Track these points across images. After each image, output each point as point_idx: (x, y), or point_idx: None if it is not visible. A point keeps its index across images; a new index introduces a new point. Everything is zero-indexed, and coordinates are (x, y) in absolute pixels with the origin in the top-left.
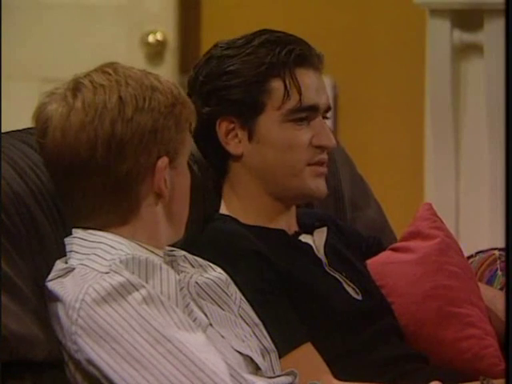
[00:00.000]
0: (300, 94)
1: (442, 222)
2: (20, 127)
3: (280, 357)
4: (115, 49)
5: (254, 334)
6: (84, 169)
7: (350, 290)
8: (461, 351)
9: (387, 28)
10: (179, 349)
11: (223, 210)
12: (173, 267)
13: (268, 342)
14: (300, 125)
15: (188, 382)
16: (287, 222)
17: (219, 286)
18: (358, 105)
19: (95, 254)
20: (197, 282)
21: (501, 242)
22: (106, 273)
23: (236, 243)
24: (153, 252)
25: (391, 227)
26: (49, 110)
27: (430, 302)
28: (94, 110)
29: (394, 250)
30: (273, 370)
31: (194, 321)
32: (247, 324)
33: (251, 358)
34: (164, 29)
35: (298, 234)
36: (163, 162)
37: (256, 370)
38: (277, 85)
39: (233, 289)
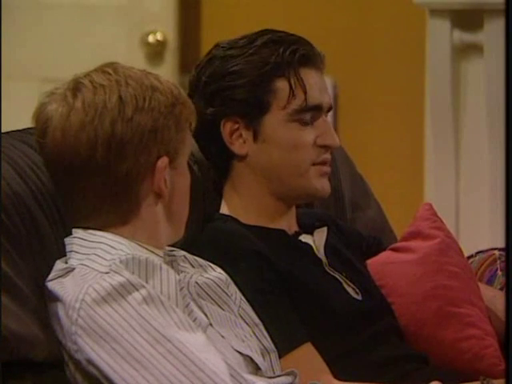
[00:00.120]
0: (305, 93)
1: (442, 222)
2: (20, 127)
3: (280, 357)
4: (115, 49)
5: (254, 334)
6: (84, 169)
7: (350, 290)
8: (461, 351)
9: (387, 28)
10: (179, 349)
11: (224, 209)
12: (173, 267)
13: (268, 342)
14: (305, 124)
15: (188, 381)
16: (287, 222)
17: (219, 286)
18: (357, 104)
19: (95, 254)
20: (197, 282)
21: (501, 242)
22: (106, 273)
23: (236, 243)
24: (153, 252)
25: (391, 227)
26: (49, 110)
27: (430, 302)
28: (94, 110)
29: (394, 250)
30: (273, 370)
31: (194, 321)
32: (247, 324)
33: (251, 358)
34: (164, 29)
35: (298, 233)
36: (163, 161)
37: (256, 370)
38: (282, 85)
39: (233, 289)
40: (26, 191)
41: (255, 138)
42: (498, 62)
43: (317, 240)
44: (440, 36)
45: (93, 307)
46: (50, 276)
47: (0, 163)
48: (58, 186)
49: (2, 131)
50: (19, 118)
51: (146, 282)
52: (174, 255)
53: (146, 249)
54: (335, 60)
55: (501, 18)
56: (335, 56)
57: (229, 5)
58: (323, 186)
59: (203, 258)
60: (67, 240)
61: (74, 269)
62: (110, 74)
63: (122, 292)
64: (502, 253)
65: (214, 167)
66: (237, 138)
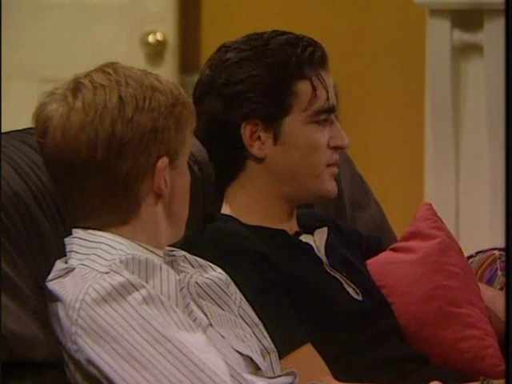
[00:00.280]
0: (327, 94)
1: (442, 222)
2: (20, 127)
3: (280, 357)
4: (115, 49)
5: (254, 334)
6: (84, 169)
7: (350, 290)
8: (461, 351)
9: (387, 28)
10: (179, 349)
11: (225, 210)
12: (173, 267)
13: (268, 342)
14: (322, 126)
15: (188, 381)
16: (289, 223)
17: (219, 286)
18: (358, 104)
19: (95, 254)
20: (197, 282)
21: (501, 242)
22: (106, 273)
23: (237, 243)
24: (153, 252)
25: (391, 227)
26: (49, 110)
27: (430, 302)
28: (94, 110)
29: (394, 250)
30: (273, 370)
31: (194, 321)
32: (247, 324)
33: (251, 358)
34: (164, 29)
35: (298, 234)
36: (163, 162)
37: (256, 370)
38: (303, 86)
39: (233, 289)
40: (26, 191)
41: (275, 140)
42: (498, 62)
43: (317, 240)
44: (440, 36)
45: (93, 307)
46: (50, 276)
47: (0, 163)
48: (58, 186)
49: (2, 131)
50: (19, 118)
51: (146, 282)
52: (174, 255)
53: (146, 249)
54: (335, 60)
55: (501, 18)
56: (335, 56)
57: (229, 5)
58: (333, 187)
59: (203, 258)
60: (67, 240)
61: (74, 269)
62: (110, 74)
63: (122, 292)
64: (502, 253)
65: (221, 168)
66: (255, 140)
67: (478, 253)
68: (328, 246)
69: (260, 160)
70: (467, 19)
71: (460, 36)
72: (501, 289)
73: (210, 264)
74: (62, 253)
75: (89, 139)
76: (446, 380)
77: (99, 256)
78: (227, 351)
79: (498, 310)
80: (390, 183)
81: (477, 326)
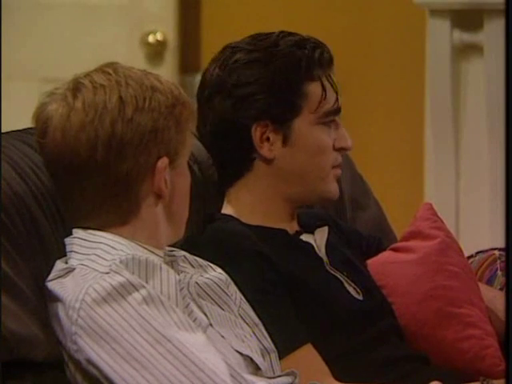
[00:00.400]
0: (337, 95)
1: (442, 222)
2: (20, 127)
3: (280, 358)
4: (115, 49)
5: (254, 334)
6: (84, 169)
7: (351, 289)
8: (461, 351)
9: (387, 28)
10: (179, 349)
11: (226, 210)
12: (173, 267)
13: (268, 343)
14: (328, 127)
15: (188, 381)
16: (289, 222)
17: (219, 286)
18: (358, 105)
19: (95, 255)
20: (197, 283)
21: (501, 242)
22: (106, 273)
23: (237, 243)
24: (153, 252)
25: (391, 227)
26: (49, 110)
27: (431, 302)
28: (94, 111)
29: (395, 249)
30: (273, 370)
31: (194, 321)
32: (247, 324)
33: (251, 358)
34: (164, 29)
35: (299, 233)
36: (163, 162)
37: (256, 370)
38: (314, 88)
39: (233, 289)
40: (26, 191)
41: (284, 141)
42: (498, 62)
43: (318, 239)
44: (440, 36)
45: (93, 307)
46: (50, 276)
47: (0, 163)
48: (58, 186)
49: (2, 131)
50: (19, 118)
51: (146, 282)
52: (174, 255)
53: (146, 249)
54: (335, 60)
55: (501, 18)
56: (335, 56)
57: (229, 5)
58: (336, 189)
59: (203, 258)
60: (67, 240)
61: (74, 269)
62: (110, 75)
63: (122, 292)
64: (502, 253)
65: (226, 168)
66: (265, 142)
67: (478, 253)
68: (329, 245)
69: (268, 161)
70: (467, 19)
71: (460, 36)
72: (501, 289)
73: (210, 264)
74: (62, 253)
75: (89, 139)
76: (446, 380)
77: (99, 256)
78: (227, 351)
79: (497, 309)
80: (390, 183)
81: (477, 326)
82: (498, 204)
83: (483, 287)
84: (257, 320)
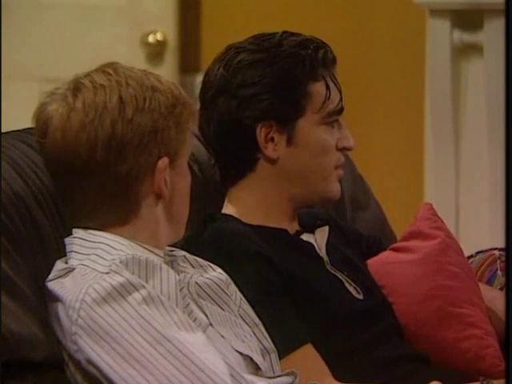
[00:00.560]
0: (340, 95)
1: (442, 222)
2: (20, 127)
3: (280, 357)
4: (115, 49)
5: (254, 334)
6: (84, 169)
7: (351, 289)
8: (461, 351)
9: (387, 28)
10: (179, 349)
11: (227, 209)
12: (173, 267)
13: (268, 342)
14: (331, 127)
15: (188, 381)
16: (290, 222)
17: (219, 286)
18: (357, 104)
19: (95, 255)
20: (197, 282)
21: (501, 242)
22: (107, 273)
23: (237, 243)
24: (153, 252)
25: (391, 227)
26: (49, 110)
27: (431, 302)
28: (94, 111)
29: (395, 249)
30: (273, 370)
31: (194, 321)
32: (247, 324)
33: (251, 358)
34: (164, 29)
35: (299, 233)
36: (163, 162)
37: (256, 370)
38: (318, 88)
39: (233, 289)
40: (26, 191)
41: (288, 141)
42: (498, 62)
43: (318, 239)
44: (440, 36)
45: (93, 307)
46: (50, 276)
47: (0, 163)
48: (58, 186)
49: (2, 131)
50: (19, 118)
51: (146, 282)
52: (174, 255)
53: (146, 249)
54: None
55: (501, 18)
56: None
57: (229, 5)
58: (338, 189)
59: (204, 258)
60: (67, 240)
61: (74, 269)
62: (110, 75)
63: (122, 292)
64: (502, 253)
65: (229, 168)
66: (269, 142)
67: (478, 253)
68: (329, 244)
69: (272, 161)
70: (467, 19)
71: (460, 36)
72: (501, 289)
73: (210, 264)
74: (62, 253)
75: (89, 139)
76: (446, 380)
77: (99, 256)
78: (227, 351)
79: (497, 309)
80: (389, 183)
81: (477, 326)
82: (498, 204)
83: (483, 287)
84: (257, 320)
